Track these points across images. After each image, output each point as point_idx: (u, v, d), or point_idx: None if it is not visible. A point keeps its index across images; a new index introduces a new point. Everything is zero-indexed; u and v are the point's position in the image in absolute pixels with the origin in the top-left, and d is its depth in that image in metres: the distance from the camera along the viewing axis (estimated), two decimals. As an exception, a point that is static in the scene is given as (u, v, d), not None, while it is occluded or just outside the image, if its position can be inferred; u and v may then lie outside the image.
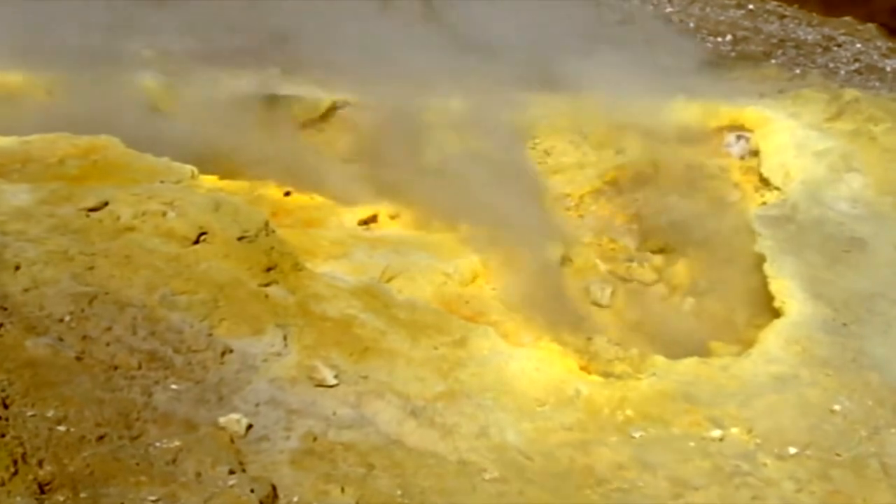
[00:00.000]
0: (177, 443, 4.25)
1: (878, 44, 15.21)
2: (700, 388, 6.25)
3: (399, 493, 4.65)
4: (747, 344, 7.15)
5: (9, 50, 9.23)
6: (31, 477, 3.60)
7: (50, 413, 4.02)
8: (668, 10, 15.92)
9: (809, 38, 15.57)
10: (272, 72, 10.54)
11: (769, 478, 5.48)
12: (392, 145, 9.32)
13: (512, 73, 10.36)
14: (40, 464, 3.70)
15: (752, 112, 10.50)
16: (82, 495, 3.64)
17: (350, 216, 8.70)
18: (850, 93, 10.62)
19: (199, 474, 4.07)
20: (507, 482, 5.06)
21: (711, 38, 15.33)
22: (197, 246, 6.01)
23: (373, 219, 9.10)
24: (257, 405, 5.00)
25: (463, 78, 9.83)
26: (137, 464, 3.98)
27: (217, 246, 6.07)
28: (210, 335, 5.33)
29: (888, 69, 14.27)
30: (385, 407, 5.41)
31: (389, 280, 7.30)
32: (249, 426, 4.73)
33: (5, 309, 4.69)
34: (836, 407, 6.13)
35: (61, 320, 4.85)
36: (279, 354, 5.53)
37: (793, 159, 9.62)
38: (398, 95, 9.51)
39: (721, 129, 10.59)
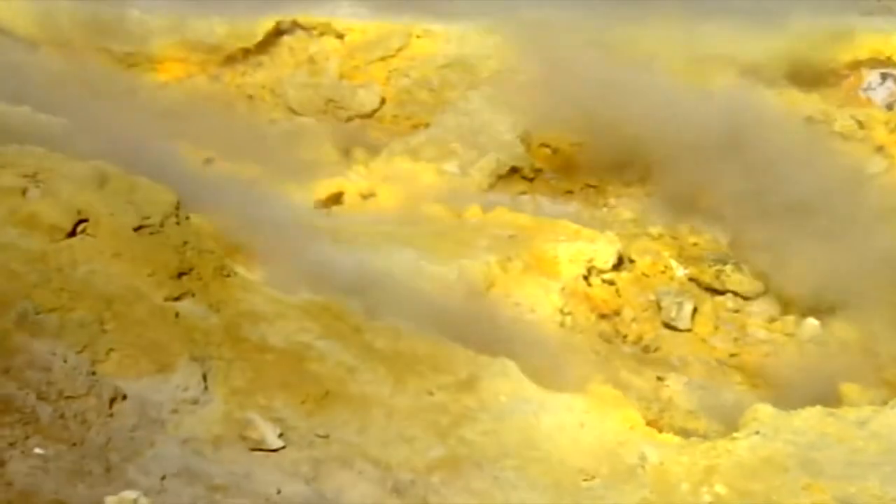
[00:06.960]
0: (42, 536, 4.23)
1: None
2: (826, 454, 6.25)
3: None
4: (896, 387, 7.18)
5: None
6: None
7: None
8: None
9: None
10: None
11: (929, 587, 5.49)
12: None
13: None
14: None
15: (904, 39, 10.52)
16: None
17: (303, 193, 8.72)
18: None
19: (74, 584, 4.07)
20: None
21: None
22: (73, 240, 6.00)
23: (336, 198, 9.14)
24: (163, 478, 4.97)
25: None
26: (-18, 568, 3.97)
27: (103, 240, 6.05)
28: (93, 374, 5.31)
29: None
30: (354, 481, 5.42)
31: (361, 291, 7.31)
32: (151, 511, 4.74)
33: None
34: None
35: None
36: (196, 402, 5.54)
37: (967, 110, 9.64)
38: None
39: (858, 64, 10.60)
